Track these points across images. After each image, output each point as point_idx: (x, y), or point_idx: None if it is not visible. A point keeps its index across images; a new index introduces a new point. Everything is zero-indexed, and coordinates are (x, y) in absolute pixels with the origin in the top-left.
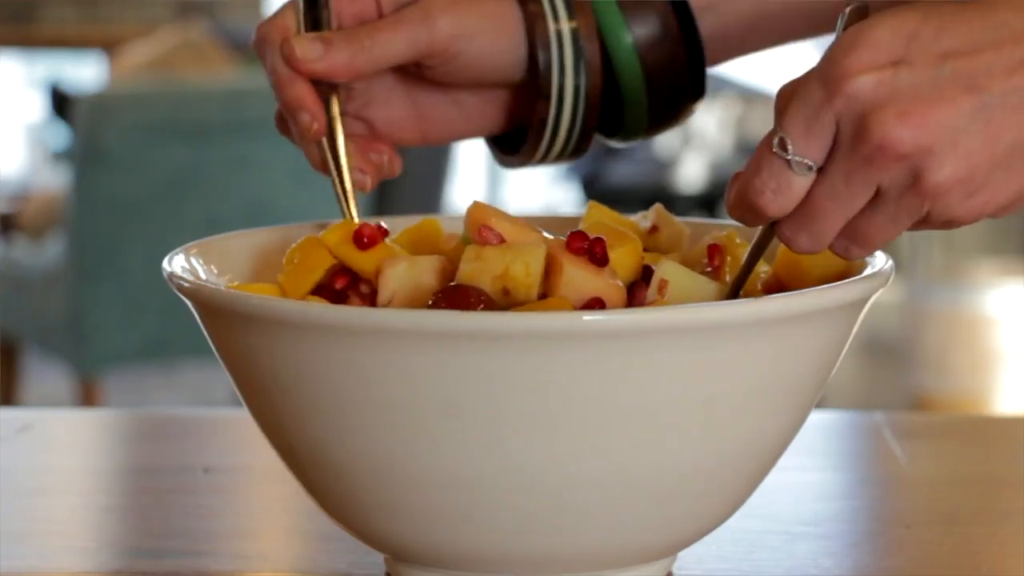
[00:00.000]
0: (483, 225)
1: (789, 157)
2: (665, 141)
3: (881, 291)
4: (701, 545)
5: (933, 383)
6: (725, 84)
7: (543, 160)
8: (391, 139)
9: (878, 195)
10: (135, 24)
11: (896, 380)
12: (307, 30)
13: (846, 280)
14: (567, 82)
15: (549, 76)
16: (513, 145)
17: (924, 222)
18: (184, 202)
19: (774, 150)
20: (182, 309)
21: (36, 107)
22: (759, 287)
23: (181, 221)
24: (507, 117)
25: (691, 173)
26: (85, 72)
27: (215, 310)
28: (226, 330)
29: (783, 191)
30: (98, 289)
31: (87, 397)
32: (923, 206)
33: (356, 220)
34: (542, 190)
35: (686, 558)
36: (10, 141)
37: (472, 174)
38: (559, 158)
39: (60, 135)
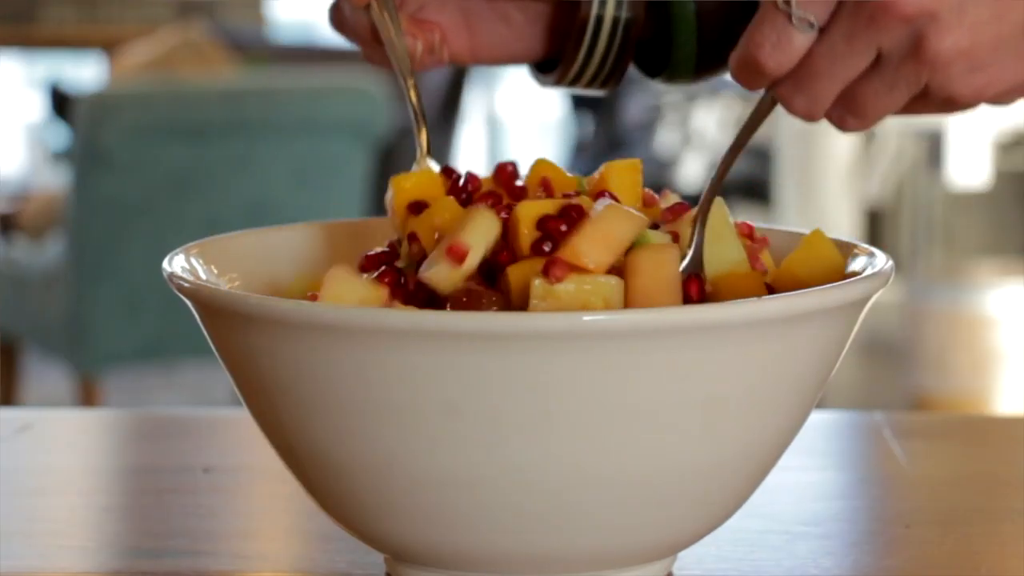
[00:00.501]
0: (552, 261)
1: (791, 12)
2: (665, 141)
3: (881, 291)
4: (701, 545)
5: (933, 383)
6: (725, 84)
7: (574, 83)
8: (441, 55)
9: (878, 60)
10: (135, 24)
11: (896, 380)
12: None
13: (846, 280)
14: (607, 11)
15: (589, 3)
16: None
17: (923, 98)
18: (184, 202)
19: (778, 6)
20: (182, 309)
21: (36, 107)
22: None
23: (181, 221)
24: (552, 41)
25: (691, 173)
26: (85, 72)
27: (215, 310)
28: (226, 330)
29: (783, 46)
30: (98, 289)
31: (87, 397)
32: (922, 75)
33: (412, 88)
34: None
35: (686, 558)
36: (10, 141)
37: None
38: (590, 84)
39: (60, 135)
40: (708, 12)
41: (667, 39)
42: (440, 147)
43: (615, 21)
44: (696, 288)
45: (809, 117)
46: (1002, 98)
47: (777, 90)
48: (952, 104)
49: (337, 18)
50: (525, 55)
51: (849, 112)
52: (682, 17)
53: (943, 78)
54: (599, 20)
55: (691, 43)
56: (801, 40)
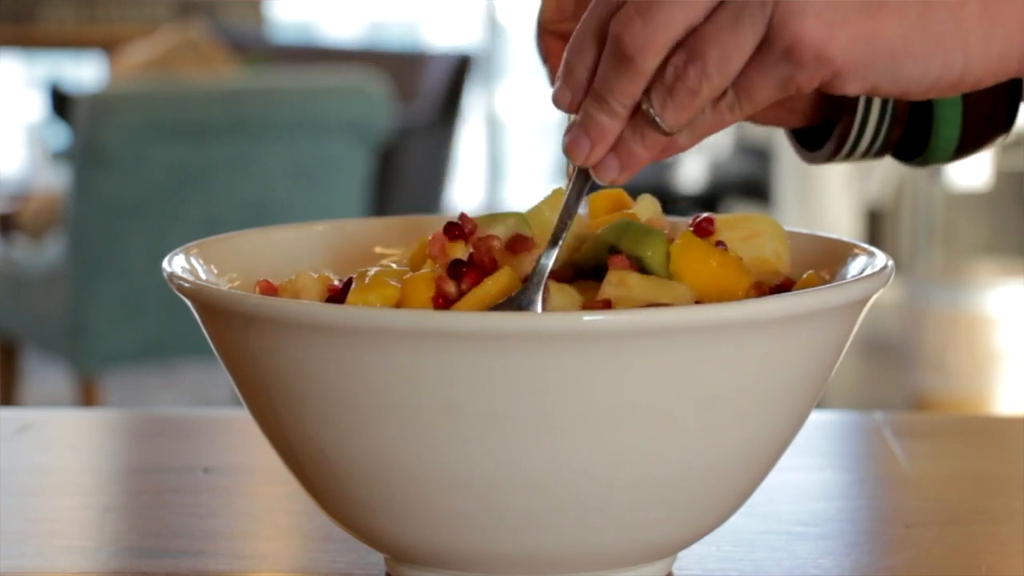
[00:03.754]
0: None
1: None
2: None
3: (881, 291)
4: (701, 545)
5: (933, 383)
6: None
7: (844, 159)
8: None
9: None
10: (135, 24)
11: (896, 380)
12: None
13: (846, 280)
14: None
15: None
16: (813, 141)
17: (767, 47)
18: (184, 202)
19: None
20: (182, 309)
21: (36, 107)
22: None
23: (181, 221)
24: (810, 113)
25: (691, 173)
26: (85, 72)
27: (215, 310)
28: (226, 330)
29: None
30: (98, 289)
31: (87, 397)
32: (768, 3)
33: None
34: (542, 190)
35: (686, 558)
36: (10, 141)
37: (472, 174)
38: (861, 159)
39: (60, 135)
40: (975, 94)
41: (927, 124)
42: (440, 148)
43: (883, 103)
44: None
45: (643, 51)
46: (849, 55)
47: (615, 19)
48: (794, 57)
49: (544, 45)
50: (775, 121)
51: (691, 58)
52: (948, 103)
53: (786, 10)
54: (868, 103)
55: (955, 130)
56: None
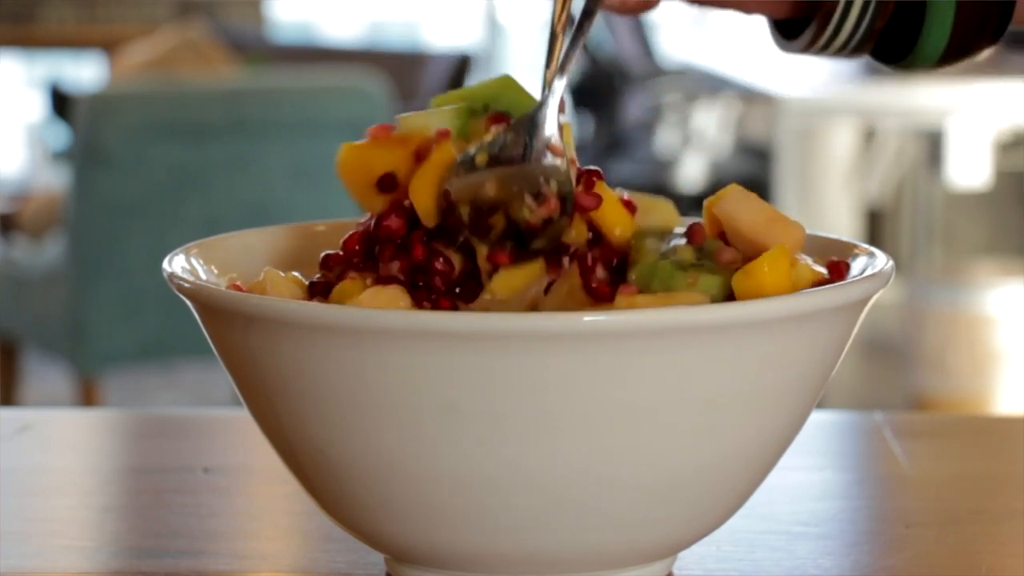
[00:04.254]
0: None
1: None
2: (665, 141)
3: (881, 291)
4: (701, 545)
5: (933, 383)
6: (725, 84)
7: (822, 51)
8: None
9: None
10: (135, 24)
11: (896, 380)
12: None
13: (847, 280)
14: None
15: None
16: (791, 31)
17: None
18: (184, 202)
19: None
20: (182, 309)
21: (36, 107)
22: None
23: (181, 221)
24: (786, 6)
25: (691, 173)
26: (85, 72)
27: (215, 310)
28: (226, 330)
29: None
30: (98, 289)
31: (87, 397)
32: None
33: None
34: None
35: (686, 558)
36: (10, 141)
37: None
38: (838, 53)
39: (60, 135)
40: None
41: (914, 22)
42: None
43: (862, 9)
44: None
45: None
46: None
47: None
48: None
49: None
50: (757, 10)
51: None
52: (939, 2)
53: None
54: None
55: (945, 30)
56: None
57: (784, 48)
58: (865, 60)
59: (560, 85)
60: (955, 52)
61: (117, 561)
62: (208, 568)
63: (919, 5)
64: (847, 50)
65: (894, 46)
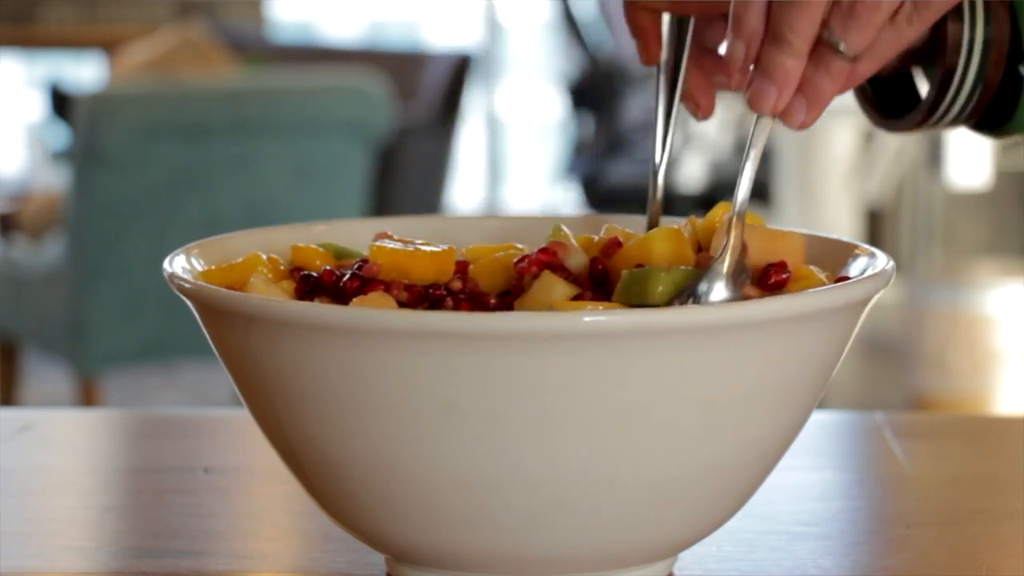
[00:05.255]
0: None
1: None
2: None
3: (881, 291)
4: (701, 545)
5: (933, 383)
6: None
7: (938, 122)
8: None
9: None
10: (135, 24)
11: (896, 380)
12: None
13: (847, 280)
14: (977, 32)
15: (959, 24)
16: (891, 110)
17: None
18: (184, 202)
19: None
20: (182, 309)
21: (36, 107)
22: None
23: (181, 221)
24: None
25: (691, 173)
26: (85, 72)
27: (215, 310)
28: (226, 330)
29: None
30: (98, 289)
31: (87, 397)
32: None
33: (658, 159)
34: (541, 190)
35: (686, 558)
36: (10, 141)
37: (472, 174)
38: (954, 121)
39: (60, 135)
40: None
41: (1011, 92)
42: (440, 148)
43: (985, 41)
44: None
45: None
46: None
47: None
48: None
49: (631, 18)
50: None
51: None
52: None
53: None
54: (971, 42)
55: None
56: None
57: (889, 127)
58: None
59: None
60: None
61: (117, 561)
62: (208, 568)
63: (1015, 76)
64: (953, 122)
65: (992, 115)
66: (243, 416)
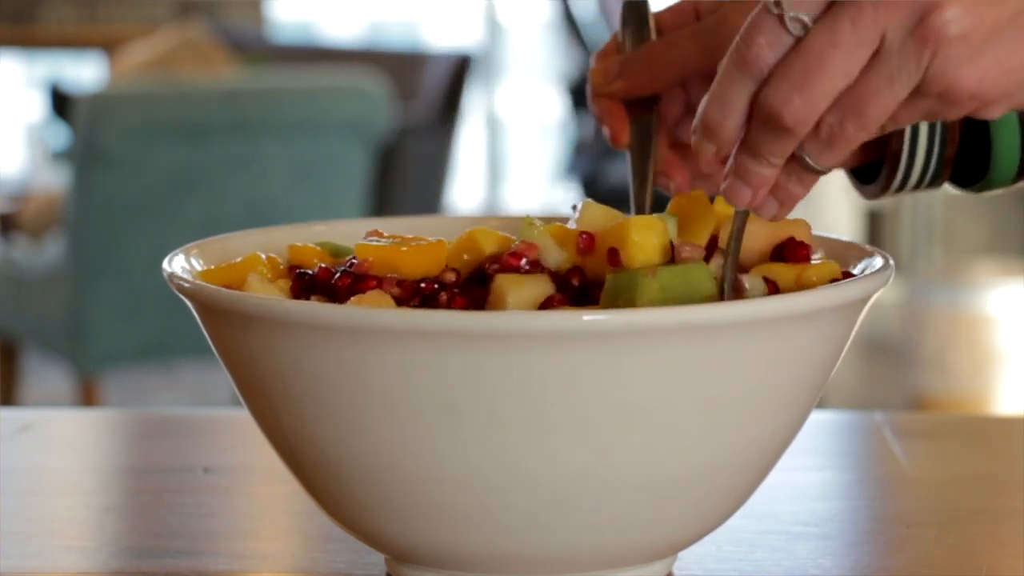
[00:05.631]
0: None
1: (784, 12)
2: None
3: (881, 291)
4: (701, 545)
5: (933, 383)
6: None
7: (899, 190)
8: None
9: (879, 50)
10: (135, 24)
11: (896, 380)
12: (633, 48)
13: (847, 280)
14: (919, 139)
15: None
16: (869, 172)
17: (919, 94)
18: (184, 202)
19: (769, 7)
20: (182, 309)
21: (36, 107)
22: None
23: (181, 221)
24: (863, 153)
25: None
26: (85, 72)
27: (215, 310)
28: (226, 330)
29: (775, 47)
30: (98, 289)
31: (87, 397)
32: (923, 58)
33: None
34: (542, 190)
35: (686, 558)
36: (10, 141)
37: (472, 174)
38: (917, 188)
39: (60, 135)
40: None
41: (985, 144)
42: (440, 148)
43: (931, 126)
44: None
45: (802, 122)
46: (1000, 87)
47: (769, 95)
48: (948, 98)
49: (595, 105)
50: (840, 165)
51: (846, 115)
52: (1005, 123)
53: (943, 62)
54: (915, 129)
55: (1014, 149)
56: (793, 41)
57: (865, 194)
58: None
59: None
60: None
61: (117, 561)
62: (208, 568)
63: (985, 127)
64: (924, 184)
65: (969, 170)
66: (243, 416)
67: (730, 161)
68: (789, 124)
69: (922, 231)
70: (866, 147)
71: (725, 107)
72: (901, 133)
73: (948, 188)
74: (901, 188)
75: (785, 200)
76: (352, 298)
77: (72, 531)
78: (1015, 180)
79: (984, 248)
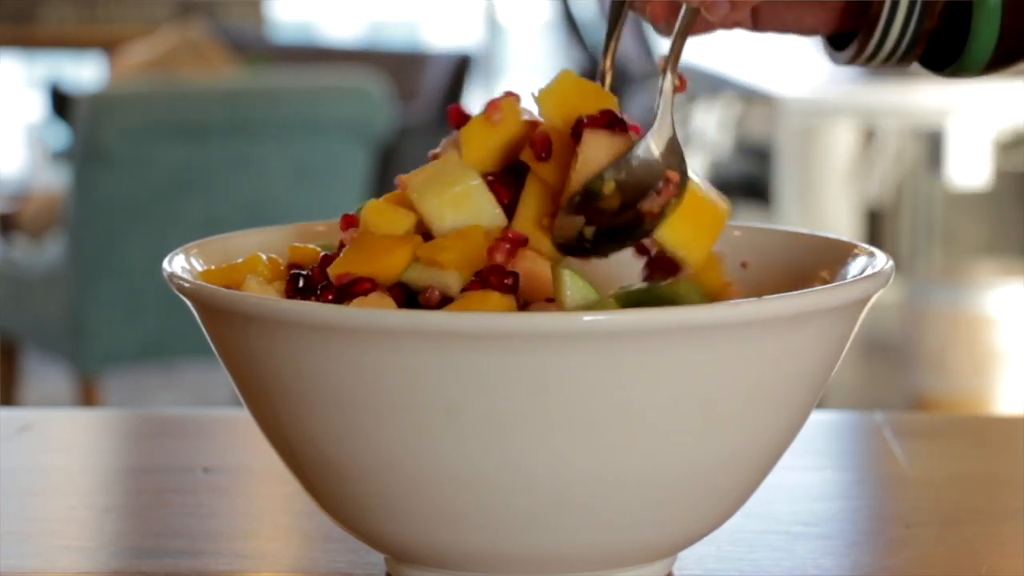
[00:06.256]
0: None
1: None
2: None
3: (881, 291)
4: (701, 545)
5: (933, 383)
6: (725, 84)
7: (871, 58)
8: (727, 21)
9: None
10: (135, 24)
11: (896, 380)
12: None
13: (846, 280)
14: None
15: None
16: (844, 41)
17: None
18: (184, 202)
19: None
20: (182, 309)
21: (36, 107)
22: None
23: (181, 221)
24: (843, 16)
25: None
26: (85, 72)
27: (215, 310)
28: (226, 330)
29: None
30: (98, 289)
31: (87, 397)
32: None
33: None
34: None
35: (686, 558)
36: (10, 141)
37: None
38: (887, 60)
39: (60, 135)
40: (1015, 4)
41: (962, 28)
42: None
43: (908, 12)
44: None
45: None
46: None
47: None
48: None
49: None
50: (813, 29)
51: None
52: (986, 5)
53: None
54: (894, 7)
55: (992, 34)
56: None
57: (835, 60)
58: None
59: (669, 87)
60: (1002, 57)
61: (117, 561)
62: (208, 568)
63: (967, 8)
64: (897, 56)
65: (942, 53)
66: (243, 416)
67: None
68: None
69: (922, 231)
70: (843, 12)
71: None
72: (881, 1)
73: (946, 187)
74: (872, 57)
75: None
76: (354, 301)
77: (72, 531)
78: (985, 70)
79: (984, 248)
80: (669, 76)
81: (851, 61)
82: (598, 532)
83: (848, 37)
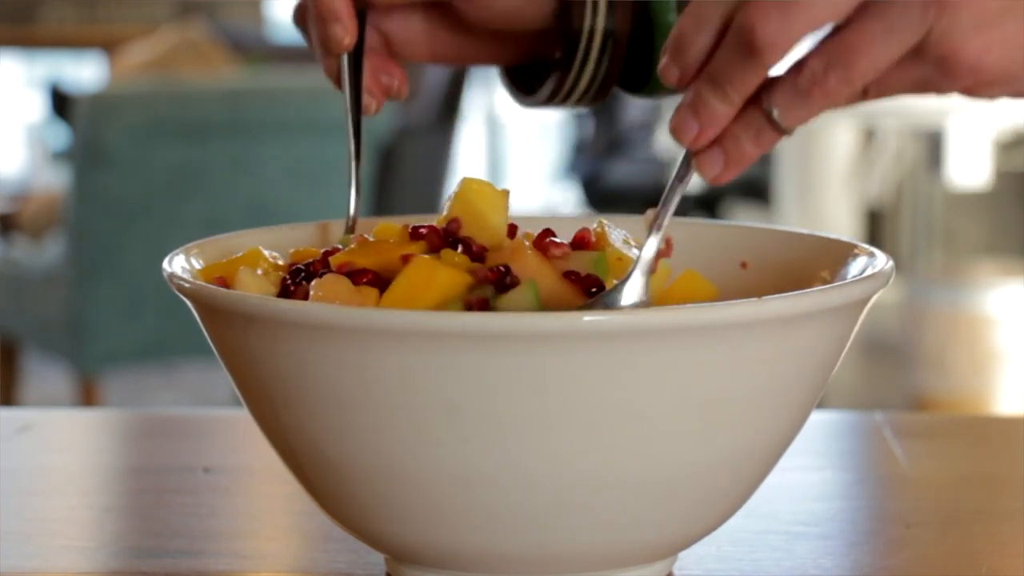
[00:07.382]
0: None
1: None
2: (665, 141)
3: (881, 291)
4: (701, 545)
5: (933, 383)
6: None
7: (562, 102)
8: (402, 53)
9: None
10: (135, 24)
11: (896, 380)
12: None
13: (847, 280)
14: (598, 23)
15: (581, 14)
16: (528, 83)
17: (917, 56)
18: (184, 202)
19: None
20: (182, 309)
21: (36, 107)
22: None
23: (181, 221)
24: (521, 52)
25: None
26: (85, 72)
27: (215, 310)
28: (226, 330)
29: None
30: (98, 289)
31: (87, 397)
32: (929, 13)
33: (352, 144)
34: (542, 190)
35: (686, 558)
36: (10, 141)
37: (472, 174)
38: (579, 101)
39: (60, 135)
40: None
41: (649, 51)
42: (440, 148)
43: (605, 32)
44: None
45: (773, 48)
46: (1000, 65)
47: (747, 9)
48: (946, 66)
49: (300, 20)
50: (489, 63)
51: (835, 63)
52: (664, 24)
53: (949, 24)
54: (591, 31)
55: None
56: None
57: (524, 103)
58: None
59: (650, 254)
60: None
61: (117, 561)
62: (208, 568)
63: (648, 31)
64: (587, 98)
65: (635, 74)
66: (243, 416)
67: (687, 94)
68: (760, 43)
69: (922, 231)
70: (523, 51)
71: (700, 21)
72: (575, 42)
73: (946, 187)
74: (563, 100)
75: (733, 157)
76: (312, 282)
77: (72, 531)
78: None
79: (984, 248)
80: (653, 239)
81: (546, 102)
82: (598, 532)
83: (527, 75)
